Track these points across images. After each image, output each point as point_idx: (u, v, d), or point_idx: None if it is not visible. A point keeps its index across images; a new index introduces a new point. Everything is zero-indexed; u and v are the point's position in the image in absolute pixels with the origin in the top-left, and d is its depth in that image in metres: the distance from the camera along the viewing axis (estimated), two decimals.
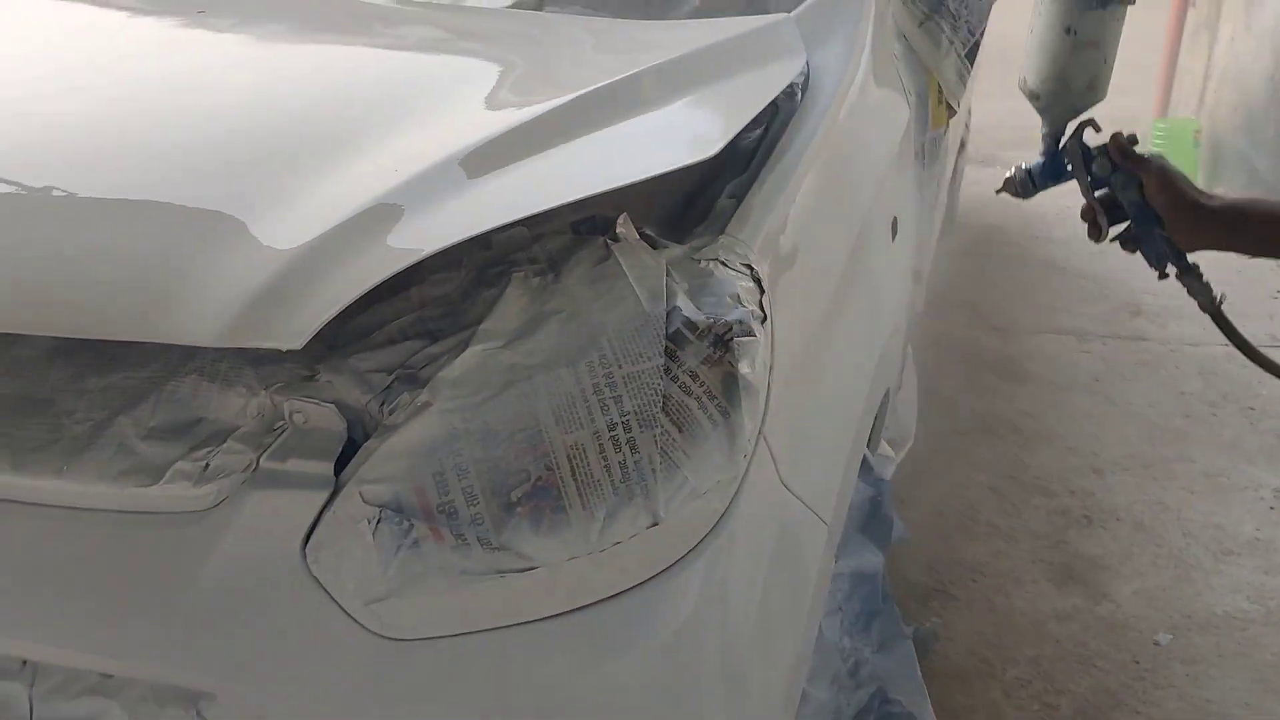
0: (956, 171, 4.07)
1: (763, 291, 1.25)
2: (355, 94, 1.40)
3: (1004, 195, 1.61)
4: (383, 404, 1.16)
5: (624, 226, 1.24)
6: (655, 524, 1.09)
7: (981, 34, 2.04)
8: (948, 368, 3.52)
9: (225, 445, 1.15)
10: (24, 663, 1.18)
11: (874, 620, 1.59)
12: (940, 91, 1.97)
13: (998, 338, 3.79)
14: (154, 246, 1.11)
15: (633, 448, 1.09)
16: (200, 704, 1.13)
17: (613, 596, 1.11)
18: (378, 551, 1.07)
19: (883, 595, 1.61)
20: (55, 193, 1.20)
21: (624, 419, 1.09)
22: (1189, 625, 2.41)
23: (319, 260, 1.05)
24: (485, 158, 1.19)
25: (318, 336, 1.09)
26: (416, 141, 1.22)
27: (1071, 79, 1.46)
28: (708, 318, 1.16)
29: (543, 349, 1.14)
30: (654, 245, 1.25)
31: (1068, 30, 1.44)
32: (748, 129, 1.47)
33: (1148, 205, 1.43)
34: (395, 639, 1.09)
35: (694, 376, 1.13)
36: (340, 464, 1.13)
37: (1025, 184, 1.55)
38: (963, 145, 4.13)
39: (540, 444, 1.09)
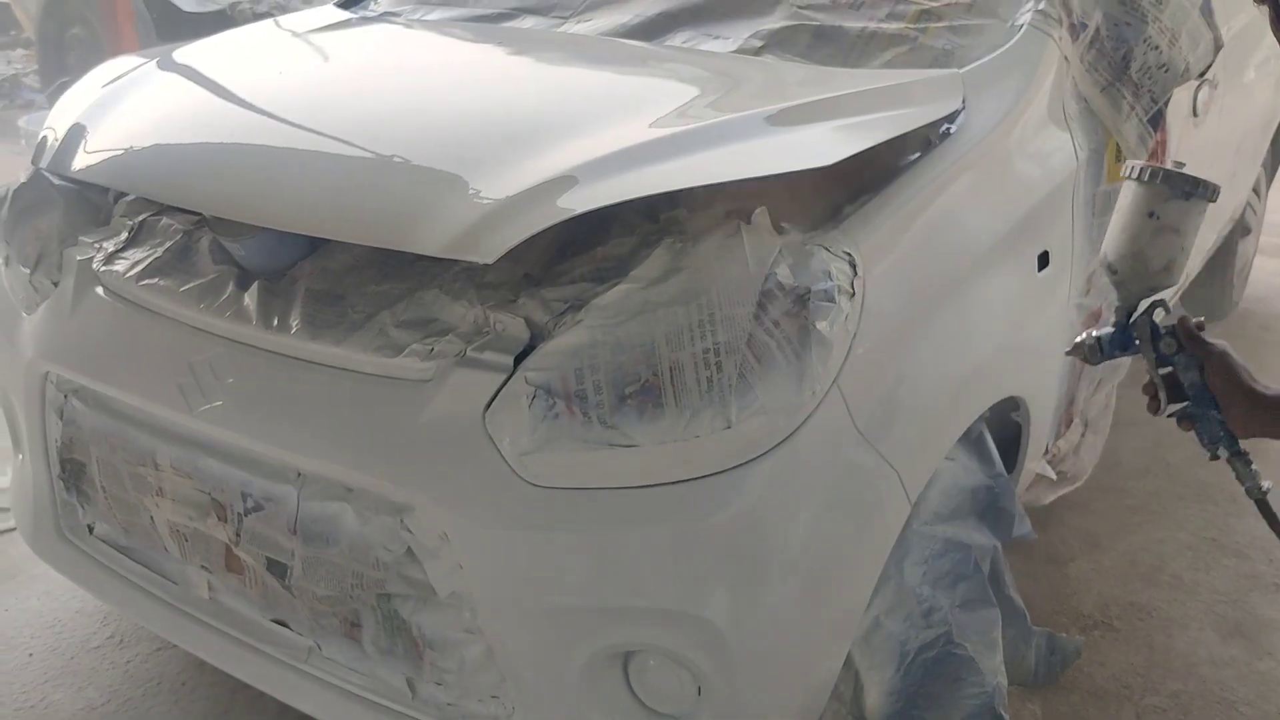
0: (1234, 253, 4.09)
1: (856, 274, 1.59)
2: (579, 102, 1.87)
3: None
4: (555, 321, 1.59)
5: (760, 216, 1.62)
6: (728, 427, 1.46)
7: (1166, 102, 2.25)
8: (1186, 439, 3.56)
9: (447, 337, 1.63)
10: (298, 473, 1.70)
11: (960, 582, 1.85)
12: (1119, 151, 2.20)
13: None
14: (407, 188, 1.61)
15: (719, 368, 1.47)
16: (404, 514, 1.60)
17: (693, 479, 1.49)
18: (529, 418, 1.51)
19: (974, 565, 1.86)
20: (352, 149, 1.74)
21: (715, 346, 1.47)
22: None
23: (514, 207, 1.50)
24: (651, 151, 1.61)
25: (526, 275, 1.57)
26: (611, 135, 1.66)
27: (1149, 260, 1.50)
28: (796, 283, 1.52)
29: (669, 292, 1.54)
30: (780, 232, 1.62)
31: (1151, 214, 1.48)
32: (906, 154, 1.82)
33: (1207, 388, 1.49)
34: (537, 485, 1.52)
35: (776, 324, 1.49)
36: (520, 358, 1.57)
37: (1094, 350, 1.58)
38: (1246, 229, 4.14)
39: (652, 357, 1.49)
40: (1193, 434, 1.53)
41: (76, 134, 1.97)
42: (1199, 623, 2.66)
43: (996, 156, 1.93)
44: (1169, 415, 1.54)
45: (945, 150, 1.84)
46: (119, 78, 2.18)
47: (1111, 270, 1.55)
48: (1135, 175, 1.50)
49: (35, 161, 2.01)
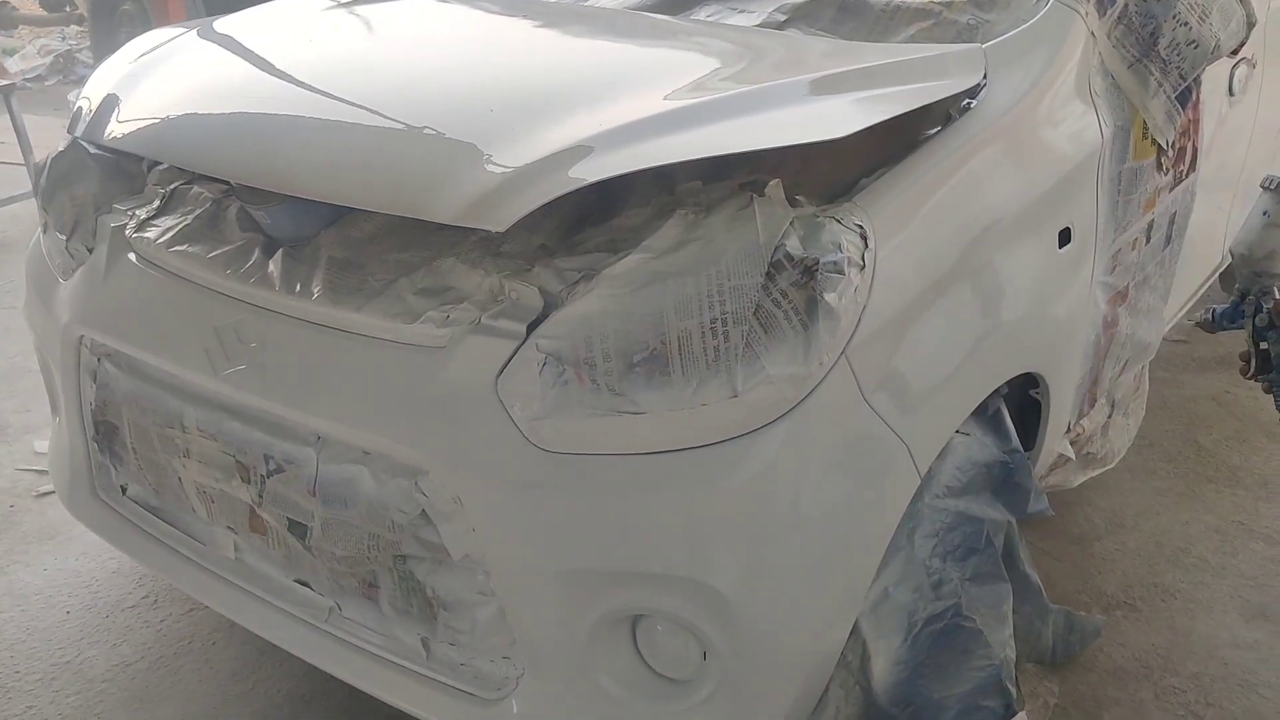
0: None
1: (867, 247, 1.59)
2: (598, 74, 1.89)
3: None
4: (568, 290, 1.61)
5: (773, 188, 1.63)
6: (735, 396, 1.48)
7: (1196, 80, 2.23)
8: (1219, 422, 3.53)
9: (463, 305, 1.66)
10: (318, 436, 1.74)
11: (971, 556, 1.85)
12: (1146, 128, 2.18)
13: None
14: (423, 157, 1.64)
15: (725, 337, 1.48)
16: (418, 478, 1.64)
17: (700, 446, 1.51)
18: (540, 385, 1.53)
19: (986, 539, 1.87)
20: (374, 118, 1.76)
21: (723, 316, 1.49)
22: None
23: (526, 177, 1.51)
24: (667, 123, 1.62)
25: (542, 245, 1.63)
26: (628, 107, 1.67)
27: (1257, 249, 1.88)
28: (805, 254, 1.53)
29: (679, 262, 1.55)
30: (794, 204, 1.63)
31: (1264, 213, 1.86)
32: (926, 128, 1.82)
33: None
34: (546, 450, 1.55)
35: (784, 294, 1.51)
36: (534, 327, 1.59)
37: (1209, 322, 2.01)
38: None
39: (660, 326, 1.50)
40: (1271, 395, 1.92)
41: (110, 104, 2.02)
42: (1223, 605, 2.64)
43: (1018, 132, 1.92)
44: (1254, 378, 1.91)
45: (965, 124, 1.84)
46: (154, 49, 2.22)
47: (1232, 255, 1.93)
48: (1265, 185, 1.88)
49: (71, 130, 2.06)
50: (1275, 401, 1.86)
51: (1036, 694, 2.28)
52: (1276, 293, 1.88)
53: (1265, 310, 1.86)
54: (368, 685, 1.83)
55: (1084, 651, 2.43)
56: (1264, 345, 1.86)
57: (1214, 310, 1.96)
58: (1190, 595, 2.68)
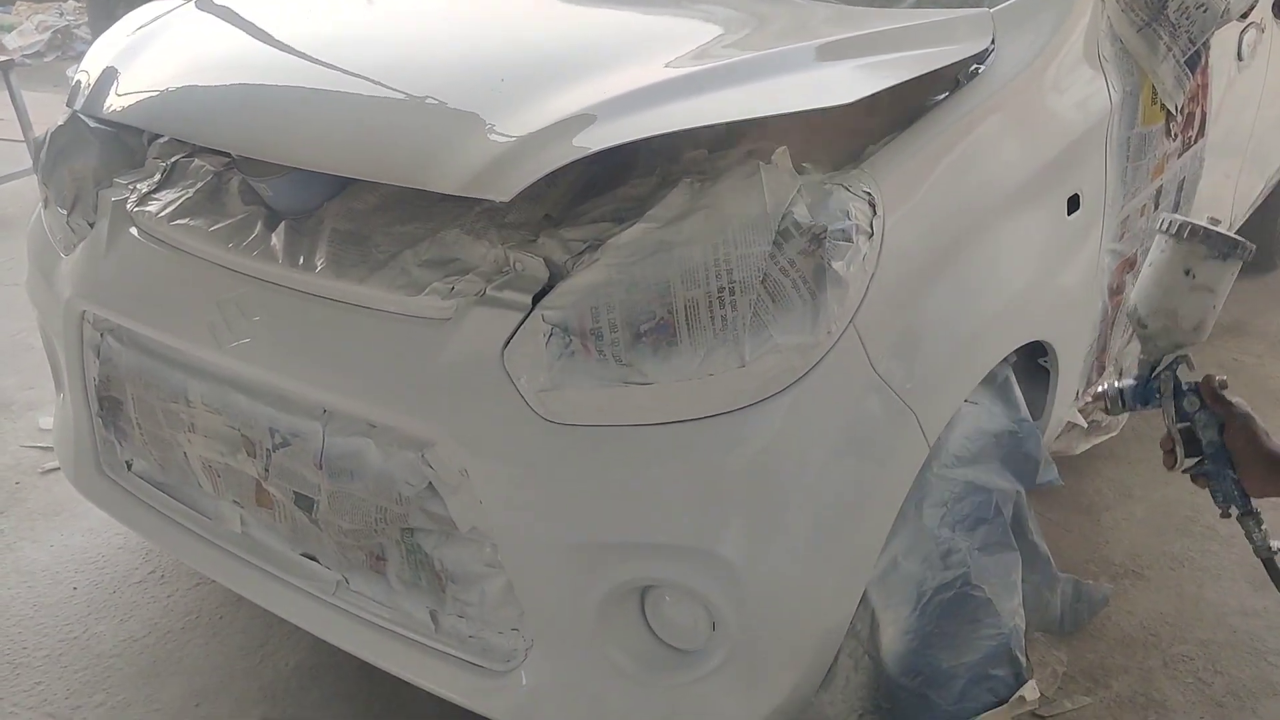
0: None
1: (875, 214, 1.58)
2: (602, 41, 1.86)
3: None
4: (574, 260, 1.60)
5: (779, 156, 1.62)
6: (742, 365, 1.47)
7: (1205, 44, 2.20)
8: (1235, 392, 3.52)
9: (467, 277, 1.65)
10: (323, 409, 1.74)
11: (980, 525, 1.84)
12: (1155, 93, 2.16)
13: None
14: (426, 127, 1.62)
15: (733, 306, 1.47)
16: (425, 450, 1.63)
17: (708, 416, 1.50)
18: (546, 356, 1.52)
19: (995, 509, 1.86)
20: (376, 88, 1.74)
21: (730, 285, 1.48)
22: None
23: (530, 146, 1.50)
24: (670, 90, 1.60)
25: (547, 215, 1.62)
26: (632, 74, 1.65)
27: (1181, 318, 1.49)
28: (813, 222, 1.51)
29: (686, 231, 1.54)
30: (801, 172, 1.61)
31: (1186, 272, 1.47)
32: (934, 94, 1.80)
33: (1225, 448, 1.50)
34: (553, 421, 1.54)
35: (791, 263, 1.49)
36: (540, 298, 1.58)
37: (1115, 401, 1.60)
38: None
39: (667, 295, 1.49)
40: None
41: (109, 76, 2.00)
42: (1231, 574, 2.64)
43: (1026, 97, 1.90)
44: (1184, 471, 1.56)
45: (973, 90, 1.81)
46: (152, 21, 2.20)
47: (1141, 324, 1.54)
48: (1172, 230, 1.48)
49: (70, 104, 2.05)
50: (1213, 497, 1.54)
51: (1045, 663, 2.28)
52: (1190, 365, 1.55)
53: (1188, 388, 1.53)
54: (376, 658, 1.83)
55: (1092, 620, 2.43)
56: (1186, 427, 1.53)
57: (1119, 389, 1.59)
58: (1198, 563, 2.68)
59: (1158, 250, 1.52)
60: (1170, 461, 1.56)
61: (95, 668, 2.34)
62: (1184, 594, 2.57)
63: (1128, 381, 1.59)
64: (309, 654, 2.33)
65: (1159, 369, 1.54)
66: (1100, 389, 1.63)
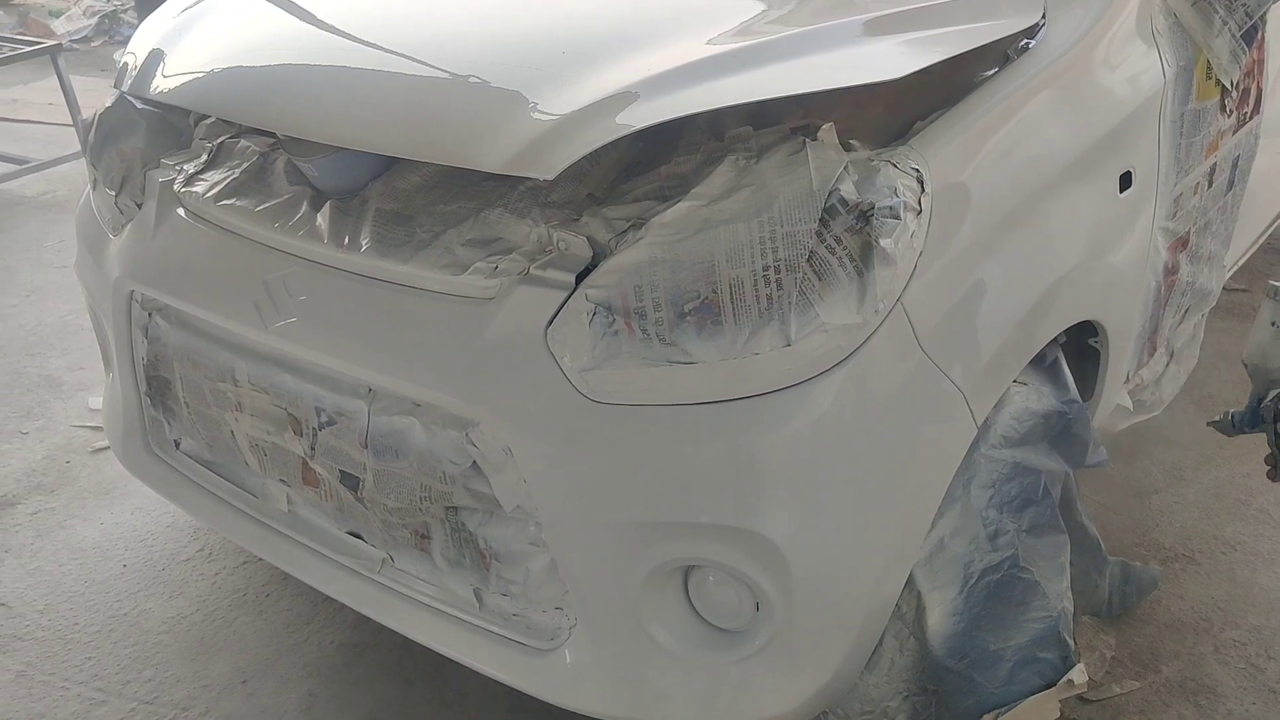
0: None
1: (924, 191, 1.55)
2: (644, 18, 1.84)
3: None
4: (617, 239, 1.59)
5: (826, 132, 1.60)
6: (788, 345, 1.45)
7: (1263, 18, 2.15)
8: None
9: (511, 256, 1.64)
10: (368, 388, 1.74)
11: (1028, 507, 1.82)
12: (1209, 68, 2.11)
13: None
14: (470, 106, 1.62)
15: (779, 285, 1.46)
16: (469, 429, 1.63)
17: (752, 396, 1.49)
18: (590, 335, 1.52)
19: (1044, 490, 1.84)
20: (420, 67, 1.75)
21: (776, 263, 1.46)
22: None
23: (573, 124, 1.49)
24: (714, 67, 1.59)
25: (590, 194, 1.62)
26: (675, 51, 1.64)
27: (1270, 359, 1.91)
28: (861, 199, 1.49)
29: (730, 209, 1.52)
30: (848, 149, 1.59)
31: (1273, 324, 1.90)
32: (983, 69, 1.77)
33: None
34: (597, 401, 1.53)
35: (839, 240, 1.47)
36: (583, 277, 1.57)
37: (1228, 425, 2.00)
38: None
39: (711, 274, 1.48)
40: None
41: (156, 58, 2.01)
42: None
43: (1077, 72, 1.86)
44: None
45: (1023, 65, 1.78)
46: (197, 2, 2.21)
47: (1244, 365, 1.99)
48: (1270, 294, 1.92)
49: (118, 85, 2.06)
50: None
51: (1093, 646, 2.25)
52: None
53: None
54: (420, 636, 1.84)
55: (1141, 604, 2.40)
56: None
57: (1232, 415, 1.99)
58: (1251, 548, 2.63)
59: (1260, 309, 1.95)
60: (1272, 475, 1.95)
61: (144, 644, 2.37)
62: (1236, 579, 2.53)
63: (1240, 411, 1.99)
64: (352, 632, 2.35)
65: (1265, 400, 1.93)
66: (1217, 418, 2.03)
